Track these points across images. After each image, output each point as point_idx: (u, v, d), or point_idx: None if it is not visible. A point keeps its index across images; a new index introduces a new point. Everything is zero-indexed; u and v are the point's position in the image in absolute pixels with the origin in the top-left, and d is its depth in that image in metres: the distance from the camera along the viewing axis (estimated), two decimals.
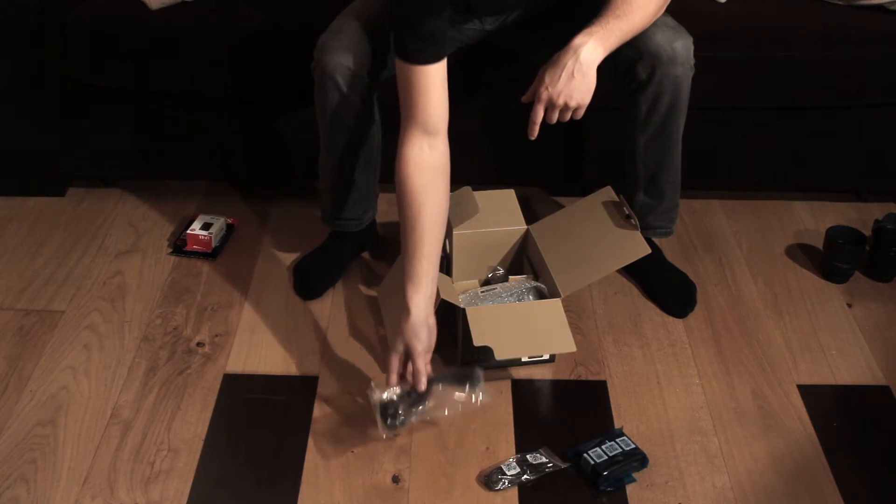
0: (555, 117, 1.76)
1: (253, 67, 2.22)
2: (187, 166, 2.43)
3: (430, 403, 1.71)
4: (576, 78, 1.70)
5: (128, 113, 2.32)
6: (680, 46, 1.84)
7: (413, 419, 1.71)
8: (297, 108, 2.18)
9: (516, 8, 1.97)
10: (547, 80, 1.73)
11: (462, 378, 1.75)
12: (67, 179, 2.47)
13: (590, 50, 1.70)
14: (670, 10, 1.84)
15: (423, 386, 1.69)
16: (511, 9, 1.97)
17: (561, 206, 2.14)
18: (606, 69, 1.75)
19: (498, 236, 2.05)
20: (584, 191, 2.10)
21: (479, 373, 1.75)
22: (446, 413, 1.72)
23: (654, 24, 1.82)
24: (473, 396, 1.73)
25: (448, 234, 1.99)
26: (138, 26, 2.21)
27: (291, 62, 2.07)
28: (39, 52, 2.23)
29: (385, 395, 1.70)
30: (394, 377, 1.72)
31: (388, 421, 1.68)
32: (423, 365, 1.70)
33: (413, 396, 1.70)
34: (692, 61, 1.88)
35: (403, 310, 1.71)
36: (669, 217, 2.11)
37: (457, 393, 1.73)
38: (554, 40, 1.77)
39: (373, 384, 1.72)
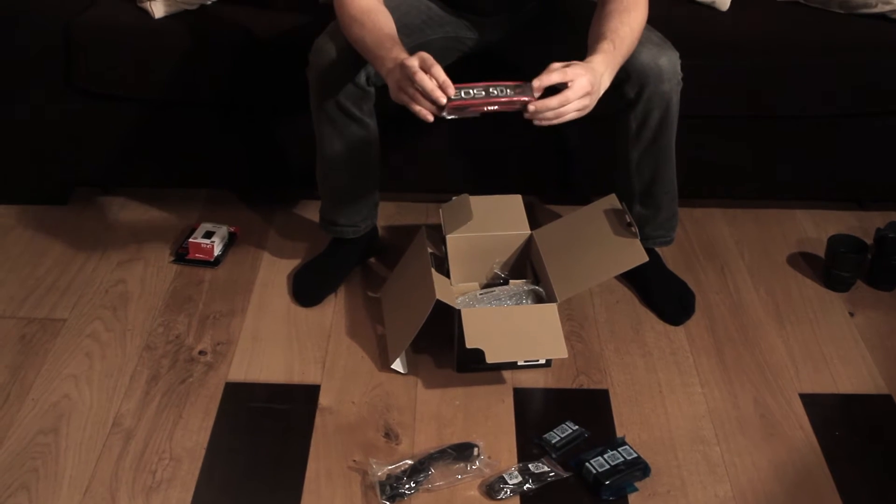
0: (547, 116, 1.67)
1: (255, 76, 2.23)
2: (189, 174, 2.43)
3: (430, 475, 1.70)
4: (579, 111, 1.66)
5: (130, 121, 2.32)
6: (666, 62, 1.84)
7: (413, 493, 1.68)
8: (299, 116, 2.18)
9: (501, 8, 1.98)
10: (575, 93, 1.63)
11: (461, 452, 1.75)
12: (70, 187, 2.47)
13: (606, 82, 1.69)
14: (670, 20, 1.84)
15: (452, 91, 1.61)
16: (493, 7, 1.99)
17: (565, 213, 2.14)
18: None
19: (501, 240, 2.05)
20: (587, 200, 2.10)
21: (478, 448, 1.75)
22: (444, 484, 1.70)
23: (639, 42, 1.81)
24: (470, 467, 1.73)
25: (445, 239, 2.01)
26: (141, 34, 2.22)
27: (293, 70, 2.07)
28: (42, 60, 2.23)
29: (385, 471, 1.69)
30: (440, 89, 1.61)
31: (388, 493, 1.66)
32: (440, 71, 1.61)
33: (413, 470, 1.70)
34: (680, 75, 1.88)
35: (392, 66, 1.67)
36: (668, 226, 2.11)
37: (455, 467, 1.73)
38: (555, 54, 1.77)
39: (372, 462, 1.72)
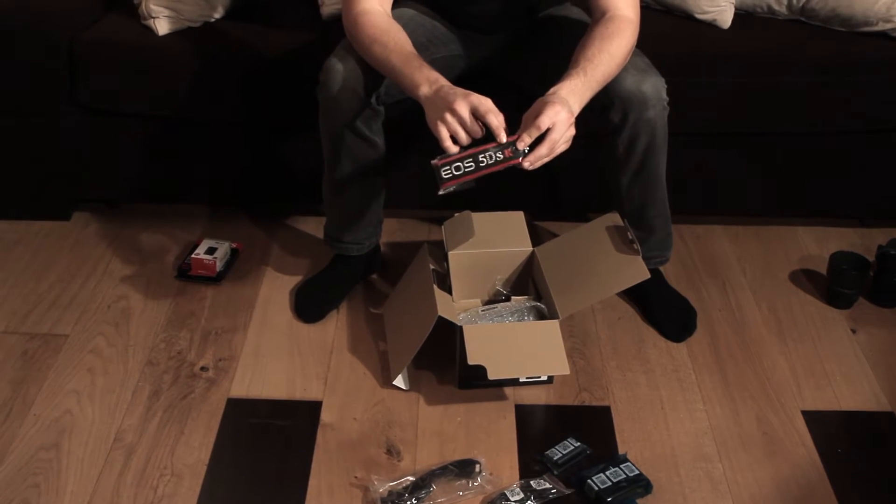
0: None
1: (258, 92, 2.24)
2: (192, 190, 2.44)
3: (432, 491, 1.70)
4: (567, 143, 1.69)
5: (134, 137, 2.33)
6: (649, 89, 1.83)
7: None
8: (302, 133, 2.19)
9: (501, 26, 2.00)
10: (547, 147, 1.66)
11: (463, 468, 1.74)
12: (73, 203, 2.48)
13: (576, 109, 1.69)
14: (671, 37, 1.84)
15: (504, 138, 1.64)
16: (494, 25, 2.00)
17: (567, 230, 2.14)
18: (582, 110, 1.72)
19: (503, 257, 2.06)
20: (583, 217, 2.10)
21: (479, 464, 1.75)
22: (445, 501, 1.70)
23: (623, 68, 1.81)
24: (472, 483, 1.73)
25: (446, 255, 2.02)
26: (145, 51, 2.23)
27: (297, 87, 2.08)
28: (46, 76, 2.24)
29: (387, 487, 1.69)
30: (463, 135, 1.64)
31: None
32: (495, 117, 1.63)
33: (415, 487, 1.69)
34: (665, 101, 1.87)
35: (430, 91, 1.68)
36: (663, 246, 2.12)
37: (457, 483, 1.73)
38: (549, 70, 1.77)
39: (374, 478, 1.72)
